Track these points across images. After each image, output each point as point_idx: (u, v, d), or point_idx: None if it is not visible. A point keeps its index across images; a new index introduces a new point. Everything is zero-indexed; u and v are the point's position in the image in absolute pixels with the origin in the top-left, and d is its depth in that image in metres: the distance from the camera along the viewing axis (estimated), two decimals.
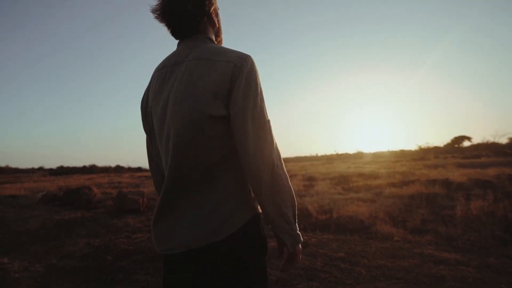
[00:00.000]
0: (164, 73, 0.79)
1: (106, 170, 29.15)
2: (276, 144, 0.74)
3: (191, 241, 0.71)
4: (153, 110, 0.80)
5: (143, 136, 0.90)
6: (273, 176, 0.71)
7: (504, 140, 24.13)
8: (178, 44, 0.83)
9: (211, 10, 0.82)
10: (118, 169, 29.23)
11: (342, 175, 9.51)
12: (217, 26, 0.87)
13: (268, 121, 0.73)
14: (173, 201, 0.74)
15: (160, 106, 0.76)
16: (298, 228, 0.76)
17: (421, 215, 3.92)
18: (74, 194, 7.48)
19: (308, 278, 2.27)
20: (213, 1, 0.82)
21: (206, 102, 0.70)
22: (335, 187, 7.04)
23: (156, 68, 0.84)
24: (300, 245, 0.77)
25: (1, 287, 2.29)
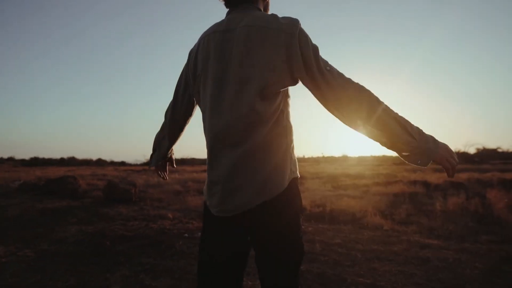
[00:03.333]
0: (217, 37, 0.82)
1: (86, 163, 27.99)
2: (349, 78, 0.79)
3: (245, 204, 0.78)
4: (203, 73, 0.84)
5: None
6: (370, 101, 0.77)
7: (472, 150, 26.14)
8: (228, 13, 0.87)
9: None
10: (100, 163, 28.20)
11: (330, 175, 9.89)
12: (267, 1, 0.92)
13: (331, 66, 0.79)
14: (224, 162, 0.79)
15: (215, 69, 0.81)
16: (423, 141, 0.76)
17: (405, 209, 4.26)
18: (57, 183, 7.16)
19: (309, 261, 2.45)
20: None
21: (264, 67, 0.75)
22: (324, 185, 7.34)
23: (204, 34, 0.88)
24: (440, 154, 0.76)
25: None
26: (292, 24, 0.77)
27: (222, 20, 0.86)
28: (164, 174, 1.13)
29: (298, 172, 0.87)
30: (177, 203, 5.38)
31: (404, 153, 0.79)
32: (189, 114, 0.99)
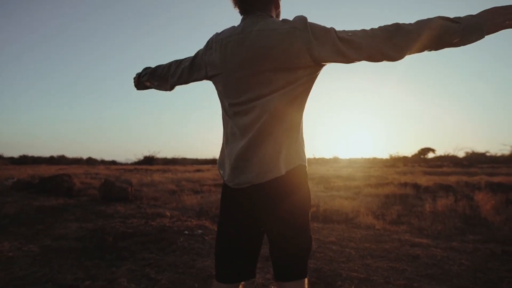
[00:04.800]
0: (233, 42, 0.92)
1: (77, 161, 27.56)
2: (366, 31, 0.84)
3: (254, 178, 0.88)
4: (221, 74, 0.94)
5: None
6: (402, 31, 0.81)
7: (461, 154, 26.94)
8: (243, 19, 0.95)
9: None
10: (91, 161, 27.79)
11: (322, 176, 10.07)
12: (279, 9, 1.01)
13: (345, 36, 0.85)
14: (241, 149, 0.90)
15: (235, 74, 0.91)
16: (465, 19, 0.78)
17: (396, 210, 4.43)
18: (52, 181, 7.15)
19: None
20: None
21: (284, 64, 0.85)
22: (317, 186, 7.49)
23: (221, 35, 0.96)
24: (491, 24, 0.77)
25: None
26: (302, 21, 0.86)
27: (238, 25, 0.95)
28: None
29: (306, 163, 0.94)
30: (173, 202, 5.43)
31: (455, 41, 0.80)
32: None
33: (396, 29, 0.81)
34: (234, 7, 0.98)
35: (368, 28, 0.86)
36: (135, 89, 1.31)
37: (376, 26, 0.85)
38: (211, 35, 1.03)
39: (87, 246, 2.69)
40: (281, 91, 0.87)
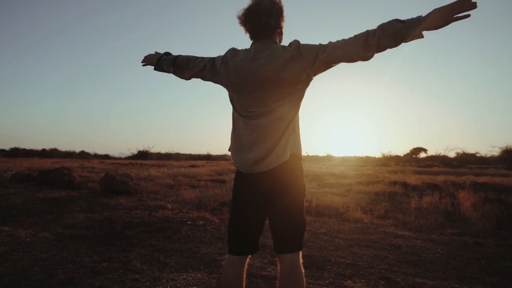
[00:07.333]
0: (245, 64, 1.14)
1: (69, 155, 27.36)
2: (340, 41, 1.08)
3: (266, 166, 1.12)
4: (236, 87, 1.16)
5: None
6: (369, 39, 1.04)
7: (452, 154, 27.65)
8: (253, 43, 1.18)
9: (282, 25, 1.21)
10: (84, 155, 27.62)
11: (315, 173, 10.37)
12: (282, 36, 1.25)
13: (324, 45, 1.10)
14: (250, 141, 1.15)
15: (245, 85, 1.13)
16: (409, 20, 1.00)
17: (384, 206, 4.73)
18: (52, 174, 7.27)
19: None
20: (284, 20, 1.21)
21: (288, 83, 1.10)
22: (310, 183, 7.77)
23: (234, 58, 1.17)
24: (432, 18, 0.98)
25: (17, 249, 2.38)
26: (296, 46, 1.11)
27: (250, 50, 1.18)
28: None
29: (301, 152, 1.18)
30: (172, 196, 5.63)
31: (403, 37, 1.02)
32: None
33: (366, 35, 1.05)
34: (245, 33, 1.22)
35: (347, 37, 1.11)
36: (141, 64, 1.46)
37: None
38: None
39: (97, 234, 2.89)
40: (285, 99, 1.13)
